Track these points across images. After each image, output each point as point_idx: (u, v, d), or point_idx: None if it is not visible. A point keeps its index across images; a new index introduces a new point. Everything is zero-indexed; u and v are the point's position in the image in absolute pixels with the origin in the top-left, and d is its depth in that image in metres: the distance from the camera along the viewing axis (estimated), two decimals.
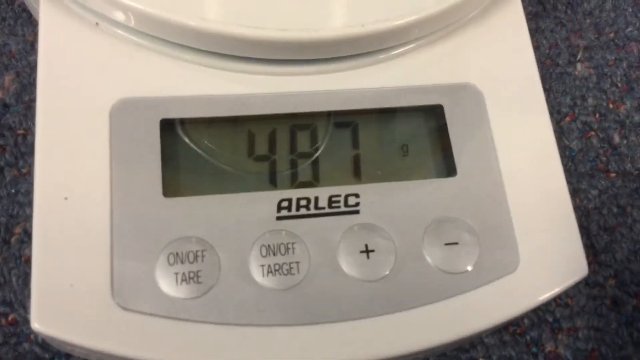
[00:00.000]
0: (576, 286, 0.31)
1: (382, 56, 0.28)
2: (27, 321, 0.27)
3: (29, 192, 0.30)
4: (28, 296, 0.28)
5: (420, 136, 0.28)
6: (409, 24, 0.26)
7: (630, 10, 0.38)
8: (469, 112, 0.28)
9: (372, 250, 0.25)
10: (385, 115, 0.28)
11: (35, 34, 0.34)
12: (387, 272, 0.25)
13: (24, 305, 0.28)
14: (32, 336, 0.27)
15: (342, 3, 0.27)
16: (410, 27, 0.27)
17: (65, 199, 0.24)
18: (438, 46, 0.29)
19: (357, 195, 0.26)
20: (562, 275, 0.26)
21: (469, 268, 0.25)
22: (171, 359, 0.23)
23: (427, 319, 0.25)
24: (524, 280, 0.26)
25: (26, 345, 0.27)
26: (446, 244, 0.26)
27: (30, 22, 0.34)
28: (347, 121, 0.28)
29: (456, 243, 0.26)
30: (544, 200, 0.27)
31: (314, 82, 0.28)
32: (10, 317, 0.27)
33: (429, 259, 0.25)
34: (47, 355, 0.27)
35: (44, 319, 0.23)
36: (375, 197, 0.26)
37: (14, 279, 0.28)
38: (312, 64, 0.27)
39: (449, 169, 0.27)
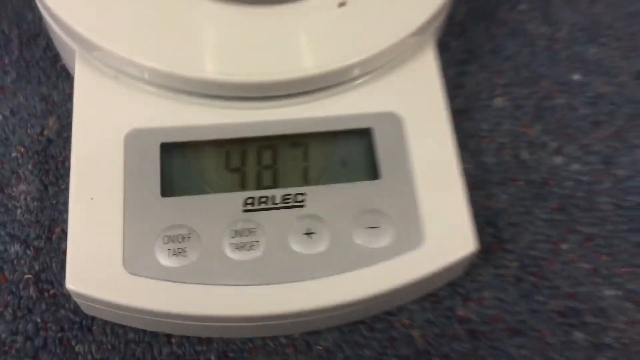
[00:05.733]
0: (486, 266, 0.39)
1: (324, 93, 0.37)
2: (63, 295, 0.37)
3: (66, 203, 0.39)
4: (64, 277, 0.37)
5: (355, 151, 0.37)
6: (341, 68, 0.36)
7: (544, 54, 0.48)
8: (392, 133, 0.37)
9: (313, 233, 0.34)
10: (328, 136, 0.37)
11: (71, 87, 0.45)
12: (324, 249, 0.34)
13: (61, 284, 0.37)
14: (67, 305, 0.36)
15: (292, 53, 0.36)
16: (342, 70, 0.36)
17: (92, 199, 0.34)
18: (368, 84, 0.38)
19: (303, 194, 0.35)
20: (457, 249, 0.34)
21: (387, 244, 0.34)
22: (165, 309, 0.32)
23: (356, 281, 0.33)
24: (428, 252, 0.34)
25: (62, 312, 0.36)
26: (369, 227, 0.34)
27: (69, 78, 0.45)
28: (300, 142, 0.37)
29: (377, 227, 0.34)
30: (444, 194, 0.35)
31: (275, 113, 0.37)
32: (51, 292, 0.37)
33: (356, 239, 0.34)
34: (77, 319, 0.36)
35: (76, 281, 0.32)
36: (317, 195, 0.35)
37: (54, 265, 0.37)
38: (272, 100, 0.37)
39: (375, 174, 0.36)
